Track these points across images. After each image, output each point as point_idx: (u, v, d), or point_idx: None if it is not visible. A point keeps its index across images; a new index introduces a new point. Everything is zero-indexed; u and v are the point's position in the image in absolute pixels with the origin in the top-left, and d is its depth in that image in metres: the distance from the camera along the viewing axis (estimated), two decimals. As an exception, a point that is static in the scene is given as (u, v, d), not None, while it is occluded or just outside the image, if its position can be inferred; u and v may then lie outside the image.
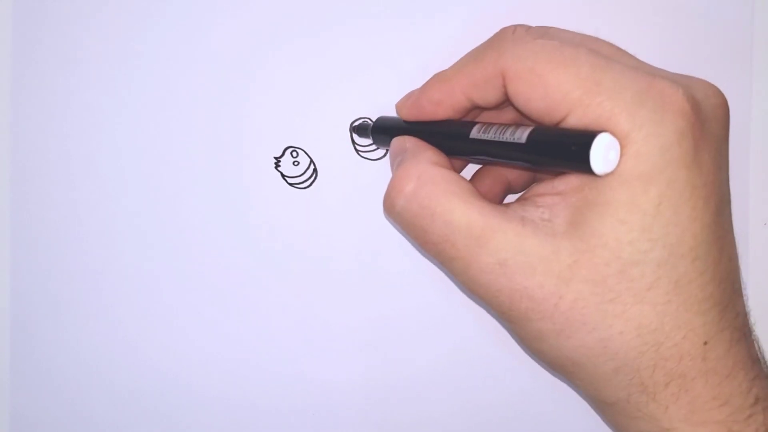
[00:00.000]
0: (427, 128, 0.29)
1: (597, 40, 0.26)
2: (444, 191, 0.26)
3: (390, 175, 0.28)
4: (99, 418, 0.33)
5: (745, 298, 0.26)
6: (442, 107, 0.28)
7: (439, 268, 0.33)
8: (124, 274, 0.33)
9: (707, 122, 0.24)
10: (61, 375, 0.33)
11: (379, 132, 0.31)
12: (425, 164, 0.27)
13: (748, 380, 0.25)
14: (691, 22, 0.33)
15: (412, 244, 0.32)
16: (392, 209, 0.27)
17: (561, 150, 0.24)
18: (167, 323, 0.33)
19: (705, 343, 0.24)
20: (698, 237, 0.24)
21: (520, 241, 0.24)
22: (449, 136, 0.28)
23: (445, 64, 0.28)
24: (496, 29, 0.28)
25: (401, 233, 0.32)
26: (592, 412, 0.32)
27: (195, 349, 0.33)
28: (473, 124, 0.27)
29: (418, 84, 0.30)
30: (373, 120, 0.32)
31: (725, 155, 0.26)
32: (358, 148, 0.33)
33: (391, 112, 0.32)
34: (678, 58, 0.27)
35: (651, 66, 0.26)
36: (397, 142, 0.29)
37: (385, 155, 0.33)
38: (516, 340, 0.31)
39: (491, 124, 0.26)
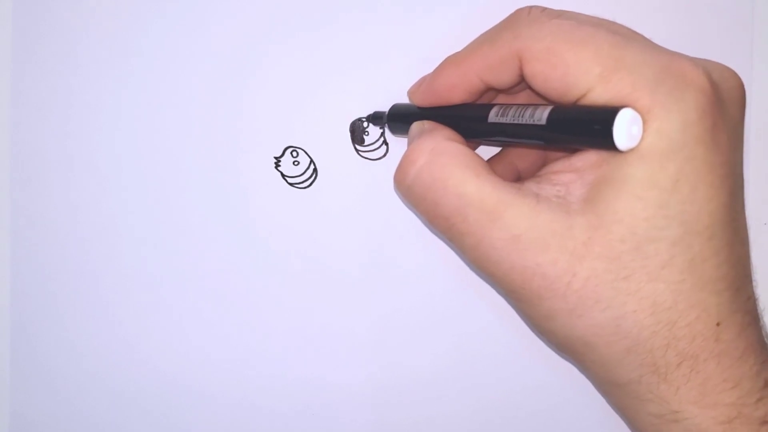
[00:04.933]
0: (444, 113, 0.29)
1: (614, 22, 0.26)
2: (458, 164, 0.26)
3: (391, 174, 0.28)
4: (99, 418, 0.33)
5: (754, 283, 0.26)
6: (456, 91, 0.28)
7: (447, 245, 0.32)
8: (125, 274, 0.33)
9: (724, 103, 0.24)
10: (61, 375, 0.33)
11: (395, 119, 0.31)
12: (440, 139, 0.27)
13: (759, 364, 0.25)
14: (690, 19, 0.33)
15: (421, 220, 0.32)
16: (403, 181, 0.27)
17: (583, 127, 0.23)
18: (167, 324, 0.33)
19: (718, 324, 0.24)
20: (714, 216, 0.24)
21: (534, 216, 0.24)
22: (467, 119, 0.28)
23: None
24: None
25: (410, 209, 0.32)
26: (602, 409, 0.31)
27: (194, 350, 0.33)
28: (491, 106, 0.27)
29: (420, 82, 0.30)
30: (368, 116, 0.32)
31: (741, 138, 0.26)
32: (358, 148, 0.33)
33: (393, 111, 0.32)
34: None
35: (667, 48, 0.26)
36: (417, 125, 0.29)
37: (384, 155, 0.33)
38: (525, 321, 0.31)
39: (509, 106, 0.26)
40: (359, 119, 0.33)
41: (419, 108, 0.30)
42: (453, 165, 0.26)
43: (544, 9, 0.27)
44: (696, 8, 0.33)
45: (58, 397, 0.33)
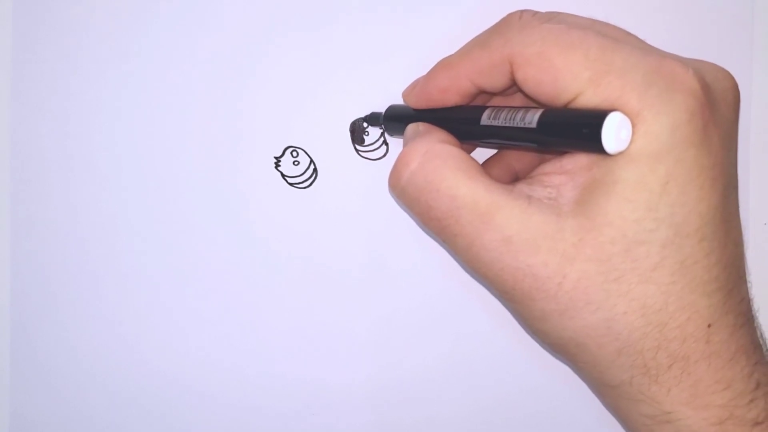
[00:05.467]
0: (438, 114, 0.29)
1: (605, 24, 0.26)
2: (450, 167, 0.26)
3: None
4: (99, 418, 0.33)
5: (749, 284, 0.26)
6: (449, 94, 0.28)
7: (441, 245, 0.32)
8: (125, 275, 0.33)
9: (717, 104, 0.24)
10: (61, 375, 0.33)
11: (391, 120, 0.31)
12: (433, 141, 0.27)
13: (750, 365, 0.25)
14: (690, 19, 0.33)
15: (415, 221, 0.32)
16: (397, 183, 0.27)
17: (573, 131, 0.24)
18: (167, 324, 0.33)
19: (709, 325, 0.24)
20: (704, 217, 0.24)
21: (526, 218, 0.24)
22: (460, 122, 0.28)
23: (450, 59, 0.28)
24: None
25: (404, 210, 0.32)
26: (598, 409, 0.31)
27: (194, 350, 0.33)
28: (483, 108, 0.27)
29: (420, 82, 0.30)
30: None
31: (734, 139, 0.26)
32: (358, 148, 0.33)
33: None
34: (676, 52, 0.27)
35: (659, 49, 0.26)
36: (412, 127, 0.29)
37: (384, 155, 0.33)
38: (518, 322, 0.31)
39: (501, 108, 0.26)
40: (359, 119, 0.33)
41: (414, 110, 0.30)
42: (446, 167, 0.26)
43: (535, 13, 0.27)
44: (696, 8, 0.33)
45: (58, 397, 0.33)
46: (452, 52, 0.28)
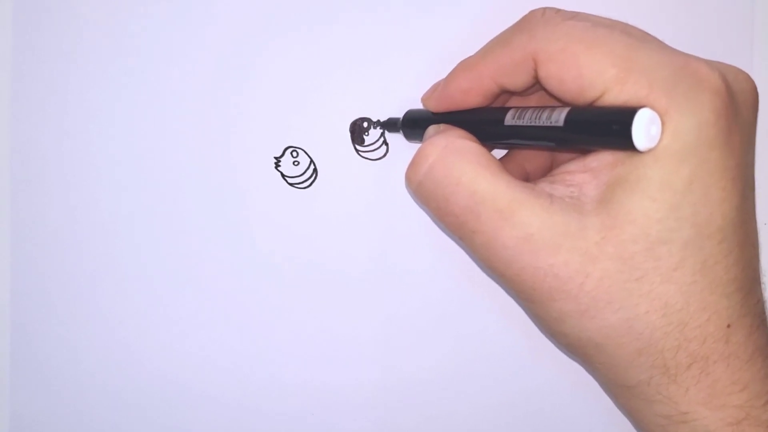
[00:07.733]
0: (459, 117, 0.29)
1: (627, 24, 0.26)
2: (471, 161, 0.26)
3: (391, 174, 0.28)
4: (99, 418, 0.33)
5: (763, 286, 0.26)
6: (471, 95, 0.28)
7: (457, 243, 0.32)
8: (125, 275, 0.33)
9: (738, 106, 0.24)
10: (61, 375, 0.33)
11: (409, 125, 0.31)
12: (453, 137, 0.27)
13: (767, 366, 0.25)
14: (690, 19, 0.33)
15: (431, 217, 0.32)
16: (414, 176, 0.27)
17: (601, 128, 0.23)
18: (167, 324, 0.33)
19: (728, 326, 0.24)
20: (726, 218, 0.24)
21: (548, 216, 0.24)
22: (483, 123, 0.28)
23: (450, 59, 0.28)
24: (504, 25, 0.27)
25: (420, 206, 0.32)
26: (607, 411, 0.31)
27: (195, 351, 0.33)
28: (506, 109, 0.27)
29: (421, 82, 0.30)
30: (373, 120, 0.32)
31: (753, 140, 0.26)
32: (358, 148, 0.33)
33: (393, 112, 0.32)
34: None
35: (680, 50, 0.26)
36: (432, 128, 0.29)
37: (384, 155, 0.33)
38: (534, 322, 0.31)
39: (525, 108, 0.26)
40: (359, 119, 0.33)
41: (434, 114, 0.30)
42: (466, 162, 0.26)
43: (558, 11, 0.26)
44: (696, 8, 0.33)
45: (58, 397, 0.33)
46: (452, 52, 0.28)
